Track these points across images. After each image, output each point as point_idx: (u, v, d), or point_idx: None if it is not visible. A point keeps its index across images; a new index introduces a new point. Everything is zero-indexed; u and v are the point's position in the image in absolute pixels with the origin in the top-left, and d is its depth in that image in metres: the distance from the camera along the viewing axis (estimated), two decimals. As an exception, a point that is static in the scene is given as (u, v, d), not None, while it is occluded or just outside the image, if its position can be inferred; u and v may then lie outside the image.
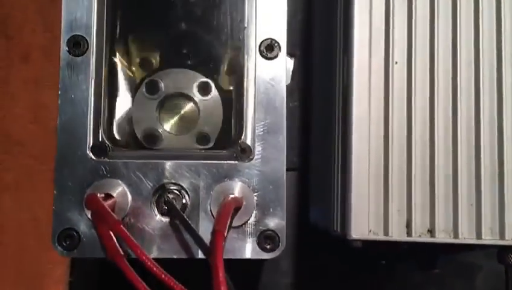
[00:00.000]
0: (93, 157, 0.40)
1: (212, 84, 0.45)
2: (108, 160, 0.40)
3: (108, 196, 0.38)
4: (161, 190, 0.40)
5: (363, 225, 0.41)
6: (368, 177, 0.41)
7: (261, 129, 0.40)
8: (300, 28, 0.62)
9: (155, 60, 0.46)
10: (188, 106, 0.45)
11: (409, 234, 0.41)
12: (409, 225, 0.41)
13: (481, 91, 0.42)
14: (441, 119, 0.42)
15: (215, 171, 0.40)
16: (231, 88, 0.46)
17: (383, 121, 0.42)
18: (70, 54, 0.40)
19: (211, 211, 0.39)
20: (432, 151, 0.42)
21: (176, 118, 0.45)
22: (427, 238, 0.41)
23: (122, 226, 0.36)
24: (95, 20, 0.41)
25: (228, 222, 0.37)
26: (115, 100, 0.44)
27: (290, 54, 0.57)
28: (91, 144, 0.40)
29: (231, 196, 0.39)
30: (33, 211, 0.61)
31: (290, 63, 0.60)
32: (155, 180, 0.40)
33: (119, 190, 0.39)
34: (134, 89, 0.45)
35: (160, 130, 0.45)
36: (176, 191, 0.40)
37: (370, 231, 0.41)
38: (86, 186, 0.39)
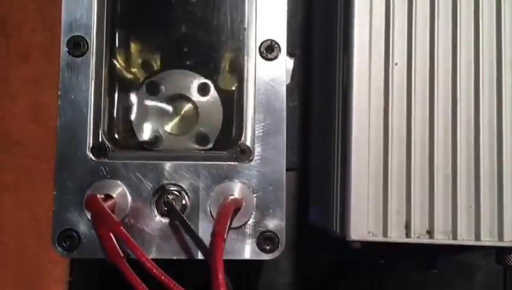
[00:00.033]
0: (93, 158, 0.40)
1: (212, 85, 0.45)
2: (108, 161, 0.40)
3: (108, 197, 0.39)
4: (161, 191, 0.40)
5: (362, 226, 0.41)
6: (367, 179, 0.41)
7: (261, 130, 0.40)
8: (300, 27, 0.62)
9: (155, 61, 0.46)
10: (188, 107, 0.46)
11: (408, 235, 0.41)
12: (408, 226, 0.41)
13: (481, 92, 0.42)
14: (440, 120, 0.42)
15: (215, 172, 0.40)
16: (231, 89, 0.46)
17: (382, 121, 0.42)
18: (70, 54, 0.40)
19: (210, 212, 0.40)
20: (431, 152, 0.42)
21: (175, 119, 0.45)
22: (426, 240, 0.41)
23: (122, 227, 0.36)
24: (95, 21, 0.41)
25: (228, 224, 0.37)
26: (115, 101, 0.44)
27: (290, 53, 0.57)
28: (91, 145, 0.40)
29: (231, 197, 0.39)
30: (32, 211, 0.61)
31: (289, 63, 0.60)
32: (155, 181, 0.40)
33: (119, 190, 0.39)
34: (134, 90, 0.45)
35: (160, 131, 0.45)
36: (175, 192, 0.40)
37: (369, 232, 0.41)
38: (86, 187, 0.39)
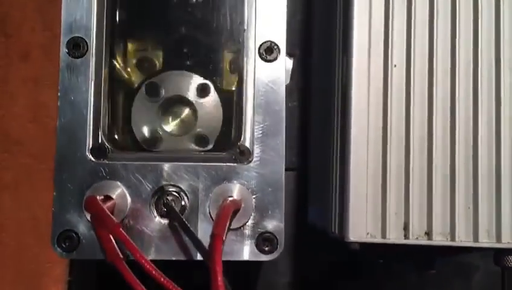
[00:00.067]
0: (92, 159, 0.40)
1: (212, 86, 0.45)
2: (107, 162, 0.40)
3: (108, 198, 0.39)
4: (160, 192, 0.40)
5: (361, 228, 0.41)
6: (366, 180, 0.42)
7: (260, 131, 0.40)
8: (300, 28, 0.62)
9: (155, 62, 0.46)
10: (188, 108, 0.45)
11: (406, 236, 0.41)
12: (406, 228, 0.41)
13: (479, 93, 0.42)
14: (439, 120, 0.42)
15: (214, 173, 0.40)
16: (230, 90, 0.46)
17: (381, 121, 0.42)
18: (69, 55, 0.40)
19: (209, 213, 0.40)
20: (429, 153, 0.42)
21: (175, 120, 0.45)
22: (424, 241, 0.41)
23: (121, 229, 0.36)
24: (95, 22, 0.41)
25: (227, 226, 0.37)
26: (115, 102, 0.44)
27: (289, 53, 0.57)
28: (90, 146, 0.40)
29: (230, 198, 0.39)
30: (32, 210, 0.61)
31: (289, 63, 0.60)
32: (154, 182, 0.40)
33: (119, 191, 0.39)
34: (134, 91, 0.45)
35: (159, 132, 0.45)
36: (175, 193, 0.40)
37: (368, 234, 0.41)
38: (85, 188, 0.39)
